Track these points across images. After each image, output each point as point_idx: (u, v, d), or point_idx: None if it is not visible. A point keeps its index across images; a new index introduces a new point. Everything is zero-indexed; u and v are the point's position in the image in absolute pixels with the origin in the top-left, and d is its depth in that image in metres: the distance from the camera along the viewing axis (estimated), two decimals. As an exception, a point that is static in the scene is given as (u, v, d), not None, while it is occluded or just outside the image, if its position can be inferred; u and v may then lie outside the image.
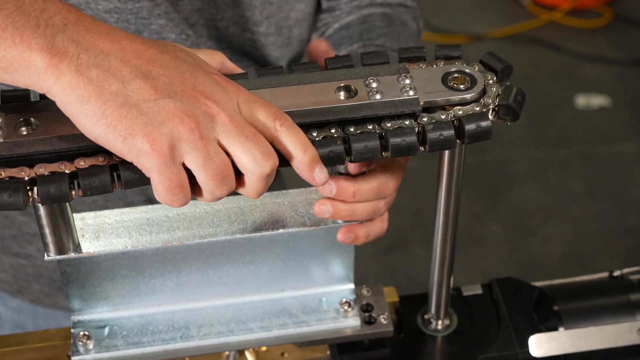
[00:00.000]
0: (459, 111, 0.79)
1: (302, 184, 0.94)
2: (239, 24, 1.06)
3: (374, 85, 0.80)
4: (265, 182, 0.72)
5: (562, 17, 3.54)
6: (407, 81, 0.80)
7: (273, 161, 0.71)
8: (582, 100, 3.19)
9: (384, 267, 2.59)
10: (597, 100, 3.19)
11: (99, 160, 0.74)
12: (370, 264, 2.56)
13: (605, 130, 3.10)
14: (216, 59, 0.82)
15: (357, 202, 0.86)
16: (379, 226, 0.91)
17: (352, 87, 0.79)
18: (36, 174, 0.74)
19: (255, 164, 0.70)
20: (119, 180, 0.74)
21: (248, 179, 0.72)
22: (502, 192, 2.90)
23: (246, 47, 1.08)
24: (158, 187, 0.70)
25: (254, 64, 1.10)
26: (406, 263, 2.61)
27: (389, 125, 0.78)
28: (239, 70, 0.83)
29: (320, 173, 0.74)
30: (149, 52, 0.70)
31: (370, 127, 0.78)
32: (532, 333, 1.01)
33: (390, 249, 2.68)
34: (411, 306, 1.06)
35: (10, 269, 1.27)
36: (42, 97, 0.80)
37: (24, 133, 0.75)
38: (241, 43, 1.08)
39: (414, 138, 0.77)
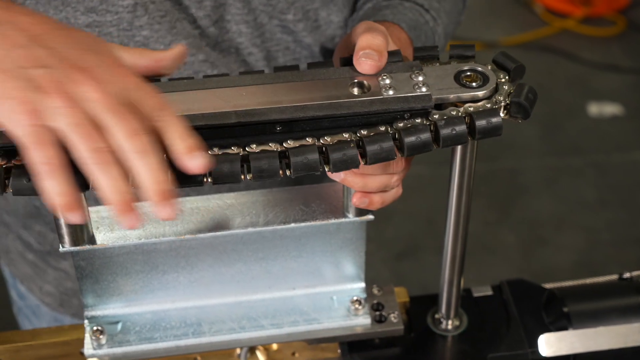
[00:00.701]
0: (470, 108, 0.80)
1: (315, 180, 0.95)
2: (267, 12, 1.06)
3: (387, 81, 0.81)
4: (145, 161, 0.68)
5: (575, 25, 3.55)
6: (420, 78, 0.81)
7: (140, 140, 0.68)
8: (594, 109, 3.19)
9: (395, 273, 2.60)
10: (610, 109, 3.19)
11: None
12: (381, 270, 2.57)
13: (618, 139, 3.10)
14: (146, 57, 0.79)
15: (369, 175, 0.86)
16: (393, 192, 0.91)
17: (366, 83, 0.81)
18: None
19: (124, 141, 0.68)
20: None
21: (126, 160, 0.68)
22: (515, 201, 2.90)
23: (276, 35, 1.09)
24: (26, 151, 0.68)
25: (288, 55, 1.10)
26: (417, 270, 2.62)
27: (401, 125, 0.79)
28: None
29: (200, 159, 0.70)
30: (42, 27, 0.70)
31: (382, 128, 0.79)
32: (542, 333, 1.02)
33: (402, 256, 2.69)
34: (421, 306, 1.07)
35: (54, 281, 1.30)
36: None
37: None
38: (272, 33, 1.09)
39: (427, 135, 0.78)
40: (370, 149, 0.77)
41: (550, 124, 3.13)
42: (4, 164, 0.74)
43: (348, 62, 0.84)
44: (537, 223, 2.84)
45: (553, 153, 3.06)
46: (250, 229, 0.92)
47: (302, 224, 0.93)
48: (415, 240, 2.75)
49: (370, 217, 0.94)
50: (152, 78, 0.99)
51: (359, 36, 0.84)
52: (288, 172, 0.77)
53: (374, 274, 1.05)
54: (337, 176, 0.86)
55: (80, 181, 0.70)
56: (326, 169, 0.78)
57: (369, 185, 0.87)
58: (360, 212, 0.94)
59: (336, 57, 0.90)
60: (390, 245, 2.70)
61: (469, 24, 3.70)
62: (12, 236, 1.32)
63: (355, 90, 0.81)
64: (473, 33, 3.41)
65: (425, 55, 0.84)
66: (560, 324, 1.04)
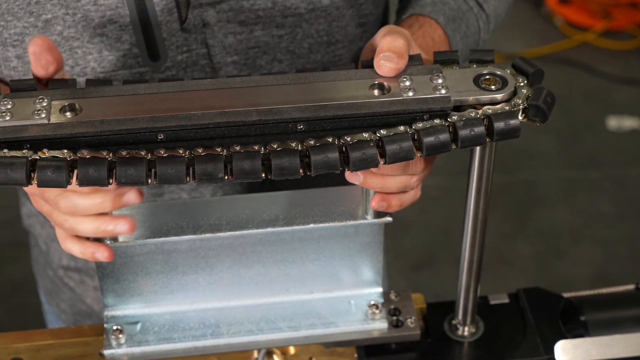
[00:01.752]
0: (489, 110, 0.81)
1: (336, 182, 0.96)
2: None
3: (407, 83, 0.82)
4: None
5: (595, 38, 3.54)
6: (440, 80, 0.82)
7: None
8: (613, 122, 3.18)
9: (412, 284, 2.60)
10: (629, 123, 3.18)
11: (141, 154, 0.77)
12: (397, 280, 2.57)
13: (637, 153, 3.09)
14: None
15: (388, 176, 0.87)
16: (412, 194, 0.92)
17: (386, 84, 0.82)
18: (78, 156, 0.76)
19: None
20: (155, 177, 0.77)
21: None
22: (532, 213, 2.89)
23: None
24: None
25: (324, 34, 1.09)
26: (433, 281, 2.62)
27: (420, 125, 0.80)
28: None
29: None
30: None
31: (402, 128, 0.80)
32: (558, 341, 1.02)
33: (418, 266, 2.69)
34: (438, 312, 1.07)
35: (69, 300, 1.32)
36: (88, 82, 0.83)
37: (69, 116, 0.78)
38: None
39: (446, 135, 0.79)
40: (390, 148, 0.78)
41: (569, 136, 3.13)
42: (30, 157, 0.76)
43: (369, 65, 0.85)
44: (554, 235, 2.83)
45: (571, 166, 3.05)
46: (269, 229, 0.94)
47: (321, 225, 0.94)
48: (432, 250, 2.75)
49: (389, 219, 0.95)
50: (175, 77, 1.00)
51: (381, 39, 0.85)
52: (308, 171, 0.78)
53: (391, 284, 1.05)
54: (357, 178, 0.86)
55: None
56: (346, 168, 0.79)
57: (388, 185, 0.87)
58: (379, 214, 0.94)
59: (362, 59, 0.91)
60: (407, 256, 2.70)
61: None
62: (37, 250, 1.35)
63: (376, 92, 0.82)
64: (493, 45, 3.38)
65: (445, 59, 0.85)
66: (577, 332, 1.04)
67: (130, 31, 0.97)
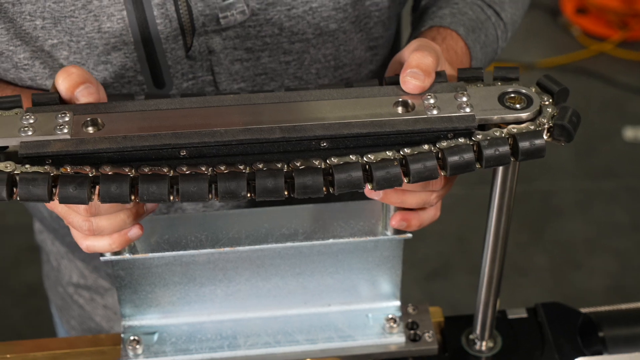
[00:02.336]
0: (514, 129, 0.80)
1: (355, 197, 0.95)
2: None
3: (432, 101, 0.81)
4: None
5: (613, 48, 3.53)
6: (464, 99, 0.81)
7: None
8: (630, 133, 3.17)
9: (426, 293, 2.59)
10: (646, 133, 3.17)
11: (163, 171, 0.77)
12: (412, 290, 2.56)
13: (653, 164, 3.08)
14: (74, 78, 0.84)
15: (408, 192, 0.86)
16: (432, 214, 0.91)
17: (410, 102, 0.81)
18: (100, 172, 0.76)
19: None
20: (177, 194, 0.76)
21: None
22: (548, 223, 2.88)
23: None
24: None
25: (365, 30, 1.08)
26: (449, 290, 2.61)
27: (444, 144, 0.79)
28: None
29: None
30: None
31: (426, 147, 0.79)
32: (576, 357, 1.02)
33: (433, 275, 2.68)
34: (456, 326, 1.07)
35: (78, 317, 1.32)
36: (110, 97, 0.83)
37: (91, 131, 0.78)
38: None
39: (471, 155, 0.78)
40: (414, 167, 0.78)
41: (585, 147, 3.11)
42: (52, 172, 0.76)
43: (393, 81, 0.84)
44: (570, 246, 2.82)
45: (587, 176, 3.04)
46: (288, 244, 0.93)
47: (341, 240, 0.93)
48: (447, 259, 2.74)
49: (409, 235, 0.95)
50: (200, 93, 1.00)
51: (411, 53, 0.84)
52: (332, 190, 0.78)
53: (405, 293, 1.05)
54: (376, 194, 0.86)
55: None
56: (369, 187, 0.79)
57: (407, 201, 0.87)
58: (399, 230, 0.94)
59: (388, 73, 0.90)
60: (422, 265, 2.70)
61: (506, 46, 3.70)
62: (49, 266, 1.35)
63: (400, 109, 0.81)
64: (510, 55, 3.40)
65: (469, 77, 0.85)
66: (595, 348, 1.03)
67: (135, 58, 0.97)
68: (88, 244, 0.87)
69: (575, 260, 2.77)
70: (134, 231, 0.86)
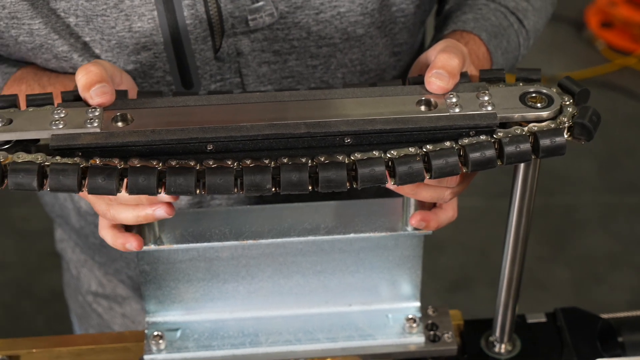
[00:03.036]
0: (534, 127, 0.81)
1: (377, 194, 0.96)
2: None
3: (454, 100, 0.83)
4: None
5: (637, 62, 3.52)
6: (486, 98, 0.83)
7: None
8: (654, 148, 3.17)
9: (447, 304, 2.59)
10: (670, 148, 3.16)
11: (190, 164, 0.78)
12: (432, 301, 2.55)
13: (677, 179, 3.07)
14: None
15: (422, 185, 0.87)
16: (450, 215, 0.93)
17: (433, 100, 0.83)
18: (128, 164, 0.78)
19: None
20: (204, 187, 0.78)
21: None
22: (570, 237, 2.88)
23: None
24: None
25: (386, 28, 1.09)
26: (469, 303, 2.61)
27: (466, 141, 0.81)
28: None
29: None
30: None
31: (448, 144, 0.81)
32: (596, 360, 1.02)
33: (454, 287, 2.68)
34: (475, 329, 1.08)
35: (97, 326, 1.34)
36: (140, 94, 0.85)
37: (120, 126, 0.80)
38: None
39: (492, 152, 0.80)
40: (436, 163, 0.79)
41: (608, 160, 3.11)
42: (82, 164, 0.78)
43: (416, 82, 0.85)
44: (591, 260, 2.81)
45: (610, 190, 3.03)
46: (310, 238, 0.95)
47: (361, 235, 0.95)
48: (468, 271, 2.74)
49: (429, 231, 0.96)
50: (227, 92, 1.01)
51: (437, 54, 0.85)
52: (355, 184, 0.79)
53: (425, 304, 1.06)
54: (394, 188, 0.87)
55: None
56: (391, 182, 0.80)
57: (420, 194, 0.88)
58: None
59: (412, 73, 0.91)
60: (443, 276, 2.70)
61: (530, 58, 3.69)
62: (69, 274, 1.37)
63: (423, 107, 0.82)
64: (534, 67, 3.39)
65: (491, 77, 0.86)
66: (614, 353, 1.04)
67: (164, 59, 0.99)
68: (102, 232, 0.90)
69: (596, 274, 2.76)
70: (132, 244, 0.90)
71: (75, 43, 0.97)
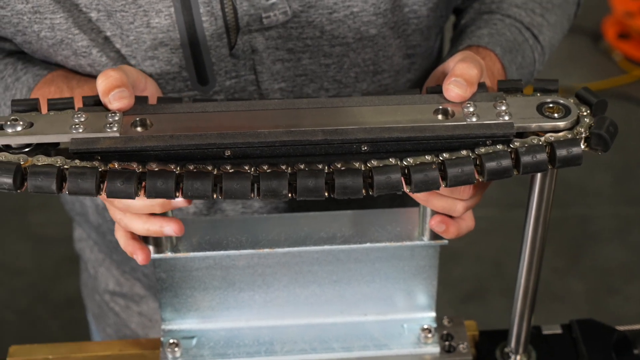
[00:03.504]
0: (551, 137, 0.81)
1: (393, 205, 0.96)
2: None
3: (471, 109, 0.83)
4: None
5: (654, 74, 3.52)
6: (503, 107, 0.83)
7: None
8: (670, 159, 3.16)
9: (461, 316, 2.59)
10: (686, 160, 3.15)
11: (207, 169, 0.79)
12: (447, 312, 2.55)
13: (693, 191, 3.06)
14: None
15: (435, 194, 0.88)
16: (469, 224, 0.93)
17: (450, 109, 0.83)
18: (147, 169, 0.79)
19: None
20: (220, 192, 0.79)
21: None
22: (585, 249, 2.87)
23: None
24: None
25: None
26: (483, 313, 2.60)
27: (482, 150, 0.81)
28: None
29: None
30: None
31: (464, 152, 0.81)
32: (611, 373, 1.02)
33: (468, 298, 2.68)
34: (490, 340, 1.08)
35: (114, 325, 1.35)
36: (159, 100, 0.86)
37: (139, 130, 0.81)
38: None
39: (508, 161, 0.80)
40: (452, 171, 0.79)
41: (624, 172, 3.10)
42: (101, 168, 0.78)
43: (434, 91, 0.86)
44: (606, 272, 2.80)
45: (625, 202, 3.02)
46: (326, 247, 0.95)
47: (377, 245, 0.95)
48: (482, 282, 2.74)
49: (445, 241, 0.96)
50: (246, 98, 1.02)
51: (456, 63, 0.86)
52: (371, 191, 0.79)
53: (439, 315, 1.06)
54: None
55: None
56: (407, 190, 0.80)
57: (432, 203, 0.89)
58: (435, 236, 0.95)
59: (429, 82, 0.92)
60: (457, 287, 2.70)
61: (547, 69, 3.69)
62: (86, 274, 1.38)
63: (440, 116, 0.83)
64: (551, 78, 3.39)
65: (509, 88, 0.86)
66: (630, 365, 1.04)
67: (181, 54, 1.00)
68: (117, 234, 0.91)
69: (611, 286, 2.76)
70: (139, 257, 0.91)
71: (95, 38, 0.98)
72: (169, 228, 0.89)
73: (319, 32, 1.02)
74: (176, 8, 0.96)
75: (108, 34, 0.98)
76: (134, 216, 0.89)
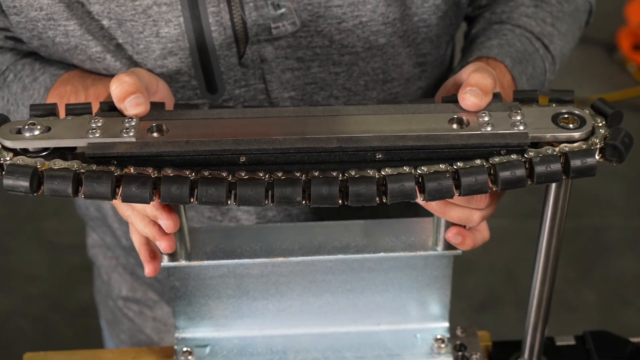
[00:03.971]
0: (566, 147, 0.81)
1: (406, 214, 0.96)
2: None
3: (486, 118, 0.83)
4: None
5: (669, 86, 3.51)
6: (518, 117, 0.83)
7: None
8: (685, 171, 3.15)
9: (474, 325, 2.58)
10: (701, 172, 3.14)
11: (222, 175, 0.79)
12: (459, 322, 2.55)
13: None
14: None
15: (451, 204, 0.88)
16: (483, 236, 0.94)
17: (465, 119, 0.83)
18: (162, 174, 0.79)
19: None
20: (235, 198, 0.79)
21: None
22: (598, 259, 2.86)
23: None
24: None
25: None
26: (496, 324, 2.60)
27: (497, 160, 0.81)
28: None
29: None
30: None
31: (478, 162, 0.81)
32: (625, 384, 1.02)
33: (481, 308, 2.68)
34: (504, 351, 1.07)
35: (128, 331, 1.35)
36: (176, 106, 0.86)
37: (155, 136, 0.81)
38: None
39: (522, 171, 0.80)
40: (465, 180, 0.79)
41: (638, 183, 3.09)
42: (116, 172, 0.79)
43: (449, 100, 0.86)
44: (619, 283, 2.80)
45: (639, 213, 3.02)
46: (340, 256, 0.95)
47: (391, 255, 0.95)
48: (495, 292, 2.73)
49: (458, 251, 0.96)
50: (262, 106, 1.03)
51: (470, 73, 0.86)
52: (384, 199, 0.80)
53: (452, 325, 1.06)
54: (423, 203, 0.87)
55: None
56: (420, 198, 0.80)
57: (448, 213, 0.89)
58: (449, 246, 0.95)
59: (441, 93, 0.92)
60: (470, 297, 2.69)
61: (562, 81, 3.68)
62: (100, 280, 1.39)
63: (455, 125, 0.83)
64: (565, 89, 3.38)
65: (524, 98, 0.86)
66: (643, 377, 1.03)
67: (190, 63, 1.00)
68: (133, 218, 0.91)
69: (624, 298, 2.75)
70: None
71: (108, 45, 0.99)
72: (161, 243, 0.90)
73: (328, 42, 1.02)
74: (185, 18, 0.97)
75: (120, 40, 0.99)
76: (139, 216, 0.90)
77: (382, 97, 1.08)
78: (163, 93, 0.91)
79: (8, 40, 1.05)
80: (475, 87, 0.84)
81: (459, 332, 1.06)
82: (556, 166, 0.80)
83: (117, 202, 0.90)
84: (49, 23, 0.98)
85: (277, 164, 0.81)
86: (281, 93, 1.04)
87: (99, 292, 1.41)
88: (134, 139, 0.80)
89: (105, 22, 0.98)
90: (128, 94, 0.84)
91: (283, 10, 0.99)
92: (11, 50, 1.07)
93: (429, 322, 1.04)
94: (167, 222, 0.87)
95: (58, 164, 0.79)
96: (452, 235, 0.92)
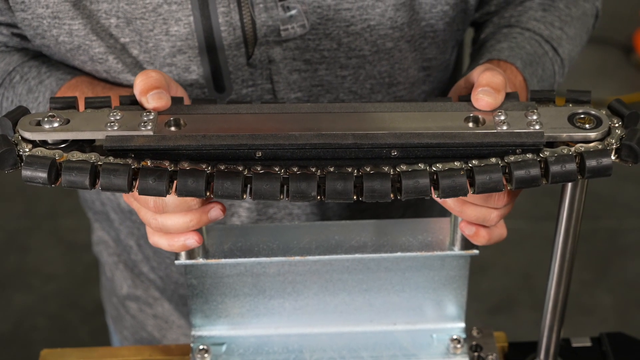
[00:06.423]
0: (581, 147, 0.81)
1: (424, 214, 0.96)
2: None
3: (502, 117, 0.83)
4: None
5: (686, 88, 3.50)
6: (534, 117, 0.83)
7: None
8: (702, 174, 3.13)
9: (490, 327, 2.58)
10: None
11: (238, 169, 0.80)
12: (474, 323, 2.55)
13: None
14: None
15: (468, 203, 0.88)
16: (499, 232, 0.93)
17: (481, 117, 0.83)
18: (178, 167, 0.80)
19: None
20: (250, 192, 0.79)
21: None
22: (614, 262, 2.86)
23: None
24: None
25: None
26: (511, 326, 2.59)
27: (512, 158, 0.81)
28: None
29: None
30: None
31: (493, 160, 0.81)
32: (641, 386, 1.02)
33: (496, 310, 2.67)
34: (520, 352, 1.07)
35: (131, 327, 1.37)
36: (194, 101, 0.87)
37: (173, 130, 0.82)
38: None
39: (537, 170, 0.80)
40: (480, 178, 0.80)
41: (655, 186, 3.09)
42: (133, 165, 0.79)
43: (465, 99, 0.86)
44: (636, 285, 2.79)
45: (656, 215, 3.01)
46: (357, 255, 0.95)
47: (408, 254, 0.95)
48: (511, 294, 2.73)
49: (475, 251, 0.96)
50: (278, 101, 1.03)
51: (480, 74, 0.87)
52: (399, 195, 0.80)
53: (468, 326, 1.06)
54: (441, 201, 0.87)
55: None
56: (435, 195, 0.81)
57: (466, 212, 0.89)
58: (466, 246, 0.95)
59: (453, 94, 0.93)
60: (485, 298, 2.69)
61: (578, 82, 3.68)
62: (104, 277, 1.40)
63: (470, 124, 0.83)
64: (580, 91, 3.37)
65: (541, 98, 0.86)
66: (660, 379, 1.03)
67: (198, 62, 1.01)
68: (154, 239, 0.91)
69: (640, 300, 2.75)
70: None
71: (113, 45, 1.00)
72: (192, 240, 0.89)
73: (336, 44, 1.03)
74: (195, 17, 0.98)
75: (126, 40, 1.00)
76: (170, 214, 0.88)
77: (387, 101, 1.09)
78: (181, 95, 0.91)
79: (15, 37, 1.06)
80: (487, 86, 0.85)
81: (475, 332, 1.06)
82: (571, 166, 0.80)
83: (140, 207, 0.89)
84: (54, 21, 0.99)
85: (293, 160, 0.81)
86: (287, 94, 1.05)
87: (104, 288, 1.42)
88: (151, 133, 0.81)
89: (113, 21, 0.99)
90: (152, 88, 0.84)
91: (293, 12, 1.00)
92: (19, 51, 1.07)
93: (445, 323, 1.05)
94: (217, 208, 0.87)
95: (76, 155, 0.80)
96: (465, 226, 0.92)
